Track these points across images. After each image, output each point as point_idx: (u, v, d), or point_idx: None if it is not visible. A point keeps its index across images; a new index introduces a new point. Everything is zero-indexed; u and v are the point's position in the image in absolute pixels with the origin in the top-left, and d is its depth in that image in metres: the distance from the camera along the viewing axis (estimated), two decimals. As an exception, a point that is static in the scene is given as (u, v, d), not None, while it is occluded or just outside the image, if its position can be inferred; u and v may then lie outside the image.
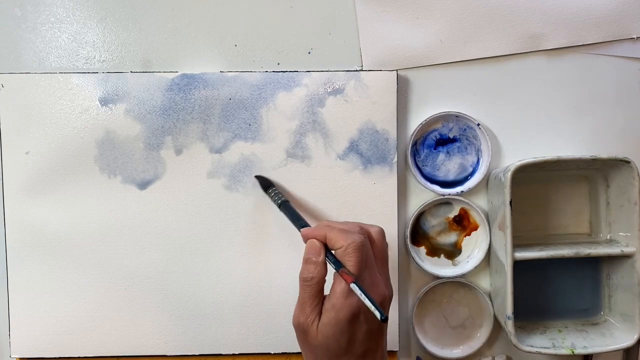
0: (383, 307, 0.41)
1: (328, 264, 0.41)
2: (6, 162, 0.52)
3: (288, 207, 0.49)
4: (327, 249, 0.42)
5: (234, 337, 0.54)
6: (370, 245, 0.43)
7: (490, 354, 0.56)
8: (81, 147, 0.52)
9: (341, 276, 0.39)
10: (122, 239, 0.53)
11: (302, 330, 0.41)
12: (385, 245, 0.44)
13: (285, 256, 0.53)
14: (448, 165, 0.55)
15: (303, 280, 0.41)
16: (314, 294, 0.41)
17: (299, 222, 0.46)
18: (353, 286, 0.38)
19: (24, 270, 0.53)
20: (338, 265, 0.40)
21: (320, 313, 0.40)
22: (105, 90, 0.52)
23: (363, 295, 0.38)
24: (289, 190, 0.53)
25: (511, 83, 0.54)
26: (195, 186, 0.53)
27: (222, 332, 0.54)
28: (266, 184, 0.52)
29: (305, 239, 0.43)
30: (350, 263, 0.39)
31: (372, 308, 0.37)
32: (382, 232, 0.44)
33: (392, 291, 0.44)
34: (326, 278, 0.41)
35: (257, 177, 0.53)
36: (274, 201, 0.50)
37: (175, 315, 0.54)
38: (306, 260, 0.41)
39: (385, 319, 0.37)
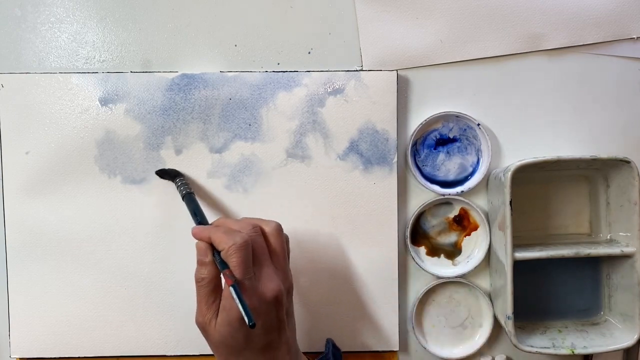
0: (278, 301, 0.42)
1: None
2: (6, 162, 0.52)
3: (191, 199, 0.48)
4: (215, 250, 0.42)
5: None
6: (265, 241, 0.43)
7: (490, 354, 0.56)
8: (81, 147, 0.52)
9: (224, 277, 0.40)
10: (122, 238, 0.53)
11: (202, 329, 0.42)
12: (281, 241, 0.44)
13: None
14: (448, 165, 0.55)
15: (196, 281, 0.42)
16: (207, 294, 0.42)
17: (196, 218, 0.46)
18: (230, 289, 0.39)
19: (24, 270, 0.53)
20: (223, 266, 0.41)
21: (217, 311, 0.41)
22: (105, 90, 0.52)
23: (237, 299, 0.39)
24: (289, 190, 0.53)
25: (511, 83, 0.54)
26: (195, 186, 0.53)
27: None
28: (173, 174, 0.51)
29: (194, 238, 0.44)
30: (233, 264, 0.40)
31: (242, 313, 0.38)
32: (277, 228, 0.44)
33: (290, 284, 0.45)
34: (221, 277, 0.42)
35: (158, 172, 0.52)
36: (180, 192, 0.49)
37: (175, 315, 0.54)
38: (198, 262, 0.43)
39: (252, 325, 0.38)
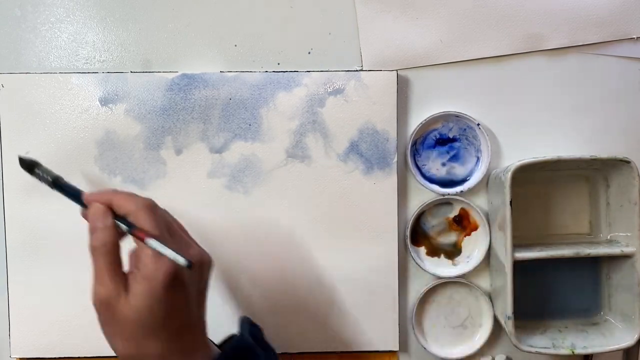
0: (200, 268, 0.38)
1: (119, 227, 0.37)
2: (6, 162, 0.52)
3: (62, 183, 0.42)
4: (114, 214, 0.37)
5: (234, 337, 0.54)
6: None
7: (490, 354, 0.56)
8: (81, 147, 0.52)
9: (136, 237, 0.36)
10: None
11: (106, 306, 0.35)
12: (167, 214, 0.41)
13: (278, 256, 0.53)
14: (448, 165, 0.54)
15: (94, 249, 0.36)
16: (111, 262, 0.36)
17: (79, 196, 0.40)
18: (149, 241, 0.35)
19: (24, 270, 0.53)
20: (130, 226, 0.36)
21: (124, 285, 0.36)
22: (105, 90, 0.52)
23: (162, 246, 0.34)
24: (289, 190, 0.53)
25: (511, 83, 0.54)
26: (195, 186, 0.53)
27: (222, 332, 0.54)
28: (29, 165, 0.44)
29: (88, 204, 0.38)
30: (145, 224, 0.36)
31: (174, 256, 0.34)
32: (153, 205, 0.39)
33: (208, 258, 0.40)
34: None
35: (20, 160, 0.44)
36: (44, 181, 0.42)
37: (175, 315, 0.54)
38: (93, 229, 0.37)
39: (190, 265, 0.34)
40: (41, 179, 0.43)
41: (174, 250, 0.35)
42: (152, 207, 0.38)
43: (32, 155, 0.52)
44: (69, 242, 0.53)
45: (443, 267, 0.55)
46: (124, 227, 0.37)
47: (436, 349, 0.55)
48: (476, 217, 0.54)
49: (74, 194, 0.41)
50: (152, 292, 0.35)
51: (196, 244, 0.41)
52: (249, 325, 0.45)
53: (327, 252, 0.54)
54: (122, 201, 0.38)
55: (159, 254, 0.35)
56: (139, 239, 0.36)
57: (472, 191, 0.54)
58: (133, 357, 0.36)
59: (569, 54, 0.55)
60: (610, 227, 0.54)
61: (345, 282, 0.54)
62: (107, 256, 0.36)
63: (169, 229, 0.38)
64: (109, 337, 0.37)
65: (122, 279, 0.36)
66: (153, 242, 0.35)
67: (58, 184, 0.42)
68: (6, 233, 0.53)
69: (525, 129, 0.55)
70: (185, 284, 0.37)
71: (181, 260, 0.34)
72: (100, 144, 0.52)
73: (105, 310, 0.36)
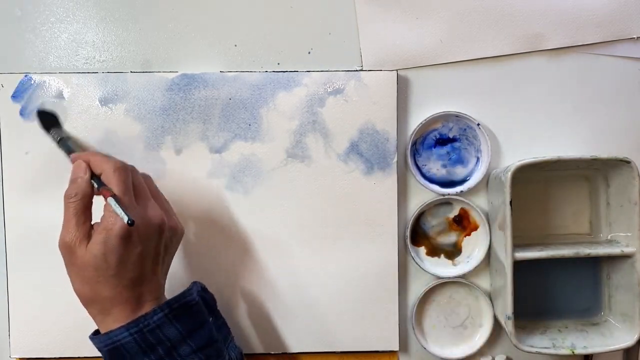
0: (160, 230, 0.42)
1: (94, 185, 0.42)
2: (6, 162, 0.52)
3: (65, 144, 0.48)
4: (93, 174, 0.43)
5: (235, 337, 0.53)
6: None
7: (490, 354, 0.56)
8: (81, 147, 0.52)
9: (102, 194, 0.40)
10: (122, 239, 0.53)
11: (68, 250, 0.40)
12: (146, 179, 0.46)
13: (278, 256, 0.53)
14: (448, 165, 0.54)
15: (67, 197, 0.41)
16: (79, 211, 0.41)
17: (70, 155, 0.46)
18: (109, 199, 0.39)
19: (24, 270, 0.53)
20: (100, 184, 0.41)
21: (88, 233, 0.40)
22: (105, 90, 0.52)
23: (116, 204, 0.39)
24: (289, 190, 0.53)
25: (511, 83, 0.54)
26: (195, 186, 0.53)
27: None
28: (49, 124, 0.51)
29: (73, 161, 0.44)
30: (113, 183, 0.41)
31: (120, 211, 0.38)
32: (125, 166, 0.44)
33: (175, 224, 0.45)
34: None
35: (39, 112, 0.51)
36: (53, 139, 0.49)
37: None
38: (71, 181, 0.42)
39: (132, 223, 0.38)
40: (51, 137, 0.50)
41: (127, 209, 0.39)
42: (122, 169, 0.42)
43: (32, 155, 0.52)
44: (69, 242, 0.53)
45: (443, 267, 0.55)
46: (95, 184, 0.42)
47: (436, 349, 0.55)
48: (476, 217, 0.54)
49: (68, 153, 0.47)
50: (107, 241, 0.39)
51: (167, 212, 0.45)
52: (201, 289, 0.47)
53: (326, 252, 0.54)
54: (99, 162, 0.43)
55: None
56: (103, 196, 0.40)
57: (472, 191, 0.54)
58: (89, 297, 0.41)
59: (569, 54, 0.55)
60: (610, 227, 0.54)
61: (345, 282, 0.54)
62: (75, 205, 0.41)
63: (137, 191, 0.43)
64: (70, 277, 0.42)
65: (86, 228, 0.41)
66: (111, 200, 0.40)
67: (61, 143, 0.48)
68: (6, 233, 0.53)
69: (525, 129, 0.55)
70: (141, 240, 0.41)
71: (125, 218, 0.38)
72: (100, 144, 0.52)
73: (68, 253, 0.40)
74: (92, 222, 0.42)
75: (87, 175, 0.42)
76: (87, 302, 0.41)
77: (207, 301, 0.47)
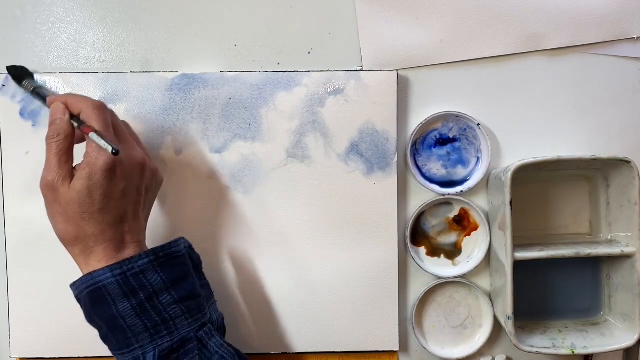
0: (142, 168, 0.43)
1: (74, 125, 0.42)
2: (6, 162, 0.52)
3: (39, 92, 0.48)
4: (72, 114, 0.42)
5: (235, 337, 0.54)
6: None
7: (490, 354, 0.56)
8: (81, 146, 0.52)
9: (83, 131, 0.40)
10: (122, 239, 0.53)
11: (51, 189, 0.40)
12: (124, 124, 0.46)
13: (278, 256, 0.53)
14: (448, 165, 0.54)
15: (49, 138, 0.41)
16: (61, 151, 0.41)
17: (46, 100, 0.46)
18: (91, 134, 0.39)
19: (24, 270, 0.53)
20: (80, 123, 0.41)
21: (71, 172, 0.41)
22: (105, 90, 0.52)
23: (98, 137, 0.39)
24: (289, 190, 0.53)
25: (511, 83, 0.54)
26: (195, 186, 0.53)
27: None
28: (20, 76, 0.51)
29: (50, 105, 0.43)
30: (93, 120, 0.41)
31: (103, 143, 0.38)
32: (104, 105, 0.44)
33: (155, 167, 0.46)
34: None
35: (9, 68, 0.51)
36: (27, 90, 0.49)
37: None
38: (51, 122, 0.42)
39: (116, 152, 0.38)
40: (24, 88, 0.49)
41: (110, 142, 0.39)
42: (100, 108, 0.42)
43: (32, 155, 0.52)
44: (69, 242, 0.53)
45: (443, 267, 0.55)
46: (75, 124, 0.42)
47: (436, 349, 0.55)
48: (476, 217, 0.54)
49: (43, 99, 0.46)
50: (91, 176, 0.40)
51: (146, 154, 0.45)
52: (188, 247, 0.46)
53: (326, 252, 0.54)
54: (76, 102, 0.42)
55: (100, 146, 0.39)
56: (85, 133, 0.40)
57: (472, 191, 0.54)
58: (72, 236, 0.41)
59: (569, 54, 0.55)
60: (610, 227, 0.54)
61: (345, 282, 0.54)
62: (57, 144, 0.41)
63: (118, 131, 0.43)
64: (51, 218, 0.42)
65: (68, 168, 0.41)
66: (93, 135, 0.39)
67: (35, 92, 0.48)
68: (6, 233, 0.53)
69: (525, 129, 0.55)
70: (124, 177, 0.41)
71: (109, 148, 0.38)
72: (100, 144, 0.52)
73: (50, 193, 0.41)
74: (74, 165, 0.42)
75: (67, 116, 0.42)
76: (70, 241, 0.41)
77: (192, 259, 0.46)
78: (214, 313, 0.47)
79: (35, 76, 0.52)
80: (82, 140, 0.44)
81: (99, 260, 0.41)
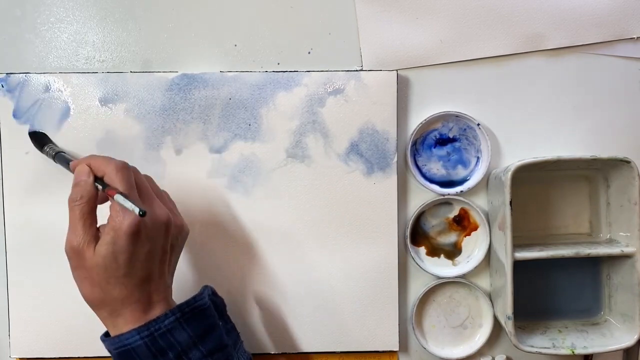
0: (167, 227, 0.42)
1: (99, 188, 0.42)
2: (6, 162, 0.52)
3: (62, 157, 0.48)
4: (96, 176, 0.42)
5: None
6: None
7: (490, 354, 0.56)
8: (81, 147, 0.52)
9: (107, 194, 0.40)
10: (122, 239, 0.53)
11: (76, 253, 0.40)
12: (147, 180, 0.45)
13: (278, 256, 0.53)
14: (448, 165, 0.54)
15: (72, 201, 0.41)
16: (85, 214, 0.41)
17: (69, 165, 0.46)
18: (116, 196, 0.39)
19: (24, 271, 0.53)
20: (104, 185, 0.41)
21: (95, 235, 0.40)
22: (105, 90, 0.52)
23: (124, 199, 0.38)
24: (289, 190, 0.53)
25: (511, 83, 0.54)
26: (195, 186, 0.53)
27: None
28: (41, 142, 0.51)
29: (73, 169, 0.43)
30: (117, 183, 0.40)
31: (130, 205, 0.38)
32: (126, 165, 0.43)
33: (181, 223, 0.45)
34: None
35: (30, 134, 0.52)
36: (49, 155, 0.49)
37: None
38: (75, 185, 0.42)
39: (143, 213, 0.37)
40: (46, 154, 0.50)
41: (135, 202, 0.39)
42: (123, 169, 0.42)
43: (32, 155, 0.52)
44: (69, 242, 0.53)
45: (443, 267, 0.55)
46: (100, 187, 0.42)
47: (436, 349, 0.55)
48: (476, 217, 0.54)
49: (67, 163, 0.46)
50: (116, 241, 0.39)
51: (172, 211, 0.45)
52: (211, 294, 0.46)
53: (326, 252, 0.54)
54: (100, 164, 0.42)
55: (125, 209, 0.39)
56: (110, 195, 0.40)
57: (472, 191, 0.54)
58: (99, 300, 0.41)
59: (569, 54, 0.55)
60: (610, 227, 0.54)
61: (345, 282, 0.54)
62: (81, 208, 0.41)
63: (141, 190, 0.43)
64: (78, 282, 0.41)
65: (93, 230, 0.41)
66: (118, 197, 0.39)
67: (58, 156, 0.48)
68: (6, 233, 0.53)
69: (525, 129, 0.55)
70: (149, 238, 0.40)
71: (136, 209, 0.38)
72: (100, 144, 0.52)
73: (76, 256, 0.40)
74: (98, 225, 0.42)
75: (91, 178, 0.42)
76: (97, 305, 0.41)
77: (217, 305, 0.46)
78: (242, 356, 0.47)
79: (36, 76, 0.52)
80: (104, 200, 0.43)
81: (127, 323, 0.41)
